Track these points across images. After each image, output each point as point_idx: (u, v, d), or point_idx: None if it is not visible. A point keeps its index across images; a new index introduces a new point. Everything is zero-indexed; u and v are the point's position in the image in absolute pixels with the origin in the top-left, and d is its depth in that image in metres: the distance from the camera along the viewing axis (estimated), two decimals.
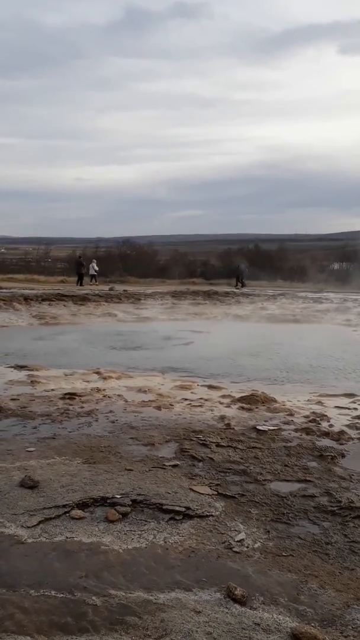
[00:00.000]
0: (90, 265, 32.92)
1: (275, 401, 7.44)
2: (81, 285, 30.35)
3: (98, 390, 7.97)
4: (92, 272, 32.82)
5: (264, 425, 6.26)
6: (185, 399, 7.56)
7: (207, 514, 4.04)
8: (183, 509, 4.06)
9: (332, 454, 5.33)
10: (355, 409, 7.21)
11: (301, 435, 5.93)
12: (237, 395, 7.69)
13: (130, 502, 4.12)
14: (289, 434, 5.98)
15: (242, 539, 3.71)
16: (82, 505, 4.09)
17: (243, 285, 31.79)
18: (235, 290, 29.81)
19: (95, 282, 32.50)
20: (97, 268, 33.40)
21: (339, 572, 3.37)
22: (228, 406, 7.20)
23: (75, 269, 32.53)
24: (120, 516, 3.94)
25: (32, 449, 5.33)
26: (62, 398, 7.40)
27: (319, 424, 6.36)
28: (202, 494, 4.36)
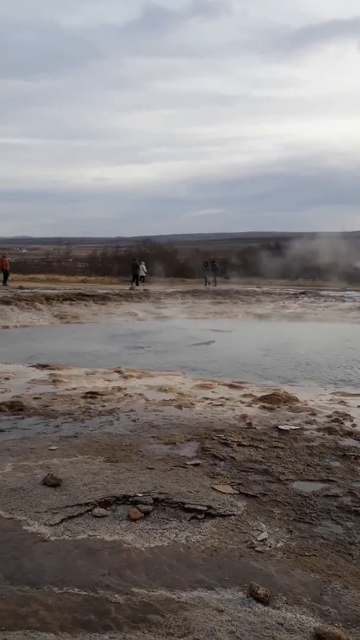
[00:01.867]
0: (140, 267, 33.76)
1: (297, 400, 7.39)
2: (137, 285, 31.16)
3: (119, 389, 8.01)
4: (141, 273, 33.60)
5: (286, 424, 6.22)
6: (206, 398, 7.55)
7: (229, 513, 4.03)
8: (205, 508, 4.05)
9: (355, 454, 5.27)
10: None
11: (324, 434, 5.88)
12: (259, 395, 7.66)
13: (152, 501, 4.13)
14: (311, 433, 5.93)
15: (265, 539, 3.69)
16: (104, 503, 4.11)
17: (215, 284, 31.85)
18: (209, 287, 30.22)
19: (144, 282, 33.23)
20: (145, 270, 34.27)
21: None
22: (249, 405, 7.18)
23: (131, 270, 33.48)
24: (142, 515, 3.95)
25: (54, 447, 5.37)
26: (84, 397, 7.45)
27: (342, 423, 6.30)
28: (223, 493, 4.35)
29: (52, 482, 4.39)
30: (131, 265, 34.06)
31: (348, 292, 27.60)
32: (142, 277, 33.61)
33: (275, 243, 56.04)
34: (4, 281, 27.42)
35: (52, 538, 3.63)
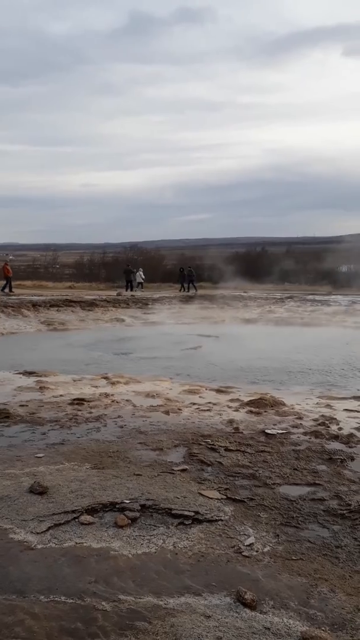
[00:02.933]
0: (138, 273, 33.98)
1: (284, 404, 7.42)
2: (131, 291, 31.36)
3: (106, 395, 7.99)
4: (139, 279, 33.81)
5: (273, 428, 6.24)
6: (194, 404, 7.56)
7: (217, 518, 4.04)
8: (192, 514, 4.05)
9: (341, 457, 5.31)
10: None
11: (310, 438, 5.91)
12: (246, 399, 7.68)
13: (139, 507, 4.12)
14: (298, 437, 5.96)
15: (252, 543, 3.70)
16: (91, 510, 4.09)
17: (195, 289, 32.02)
18: (185, 293, 30.37)
19: (142, 288, 33.46)
20: (143, 276, 34.42)
21: (349, 576, 3.35)
22: (236, 410, 7.19)
23: (125, 277, 33.56)
24: (130, 521, 3.94)
25: (41, 454, 5.34)
26: (71, 404, 7.42)
27: (328, 427, 6.33)
28: (211, 498, 4.36)
29: (39, 490, 4.37)
30: (124, 271, 34.14)
31: (333, 296, 27.75)
32: (140, 283, 33.85)
33: (262, 248, 56.31)
34: (4, 288, 27.17)
35: (39, 546, 3.62)
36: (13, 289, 27.31)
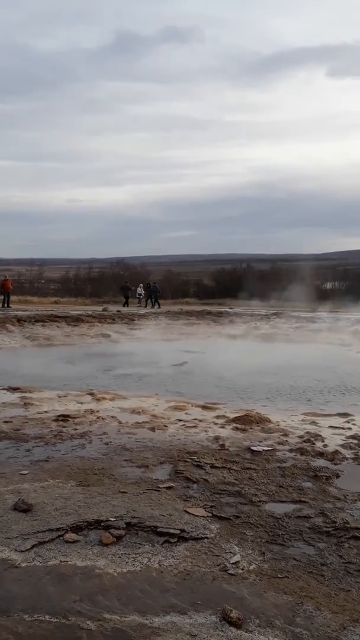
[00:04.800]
0: (137, 289, 34.42)
1: (270, 421, 7.44)
2: (127, 306, 31.46)
3: (92, 411, 7.95)
4: (137, 295, 34.26)
5: (259, 445, 6.25)
6: (180, 420, 7.55)
7: (202, 536, 4.02)
8: (178, 532, 4.04)
9: (326, 474, 5.32)
10: (350, 428, 7.22)
11: (296, 455, 5.93)
12: (232, 416, 7.69)
13: (125, 525, 4.10)
14: (284, 454, 5.97)
15: (238, 561, 3.69)
16: (76, 528, 4.06)
17: (159, 305, 32.10)
18: (148, 309, 30.39)
19: (140, 304, 33.73)
20: (142, 292, 34.77)
21: (335, 594, 3.35)
22: (222, 427, 7.20)
23: (122, 293, 33.80)
24: (115, 539, 3.92)
25: (25, 472, 5.30)
26: (56, 420, 7.38)
27: (314, 444, 6.36)
28: (196, 515, 4.34)
29: (23, 508, 4.33)
30: (121, 287, 34.21)
31: (318, 314, 27.94)
32: (139, 299, 34.21)
33: (247, 265, 56.65)
34: (4, 303, 26.97)
35: (23, 564, 3.58)
36: (6, 305, 27.13)
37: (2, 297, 27.18)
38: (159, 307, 31.23)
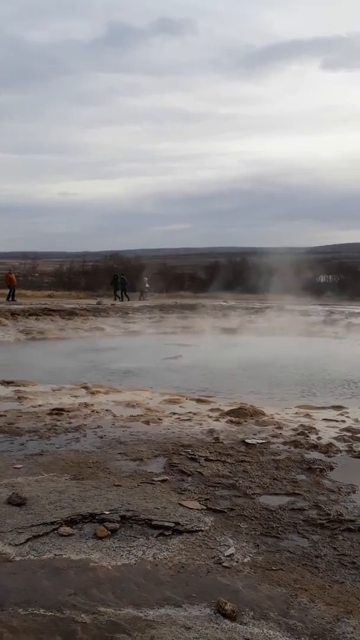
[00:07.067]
0: (143, 281, 34.68)
1: (264, 414, 7.45)
2: (127, 299, 31.56)
3: (86, 405, 7.94)
4: (144, 288, 34.33)
5: (253, 438, 6.26)
6: (174, 413, 7.55)
7: (197, 529, 4.03)
8: (172, 525, 4.04)
9: (320, 467, 5.34)
10: (343, 421, 7.24)
11: (290, 448, 5.94)
12: (226, 409, 7.70)
13: (119, 518, 4.10)
14: (278, 447, 5.98)
15: (232, 554, 3.69)
16: (71, 522, 4.06)
17: (128, 298, 32.20)
18: (116, 302, 30.18)
19: (144, 297, 33.76)
20: (147, 285, 34.96)
21: (329, 586, 3.36)
22: (217, 420, 7.20)
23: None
24: (109, 532, 3.91)
25: (19, 465, 5.29)
26: (50, 414, 7.36)
27: (308, 436, 6.37)
28: (191, 508, 4.35)
29: (17, 501, 4.32)
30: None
31: (312, 306, 28.01)
32: (143, 291, 34.13)
33: (241, 258, 56.63)
34: (9, 297, 26.89)
35: (17, 558, 3.57)
36: (11, 299, 27.11)
37: (8, 291, 27.19)
38: (128, 299, 31.23)
